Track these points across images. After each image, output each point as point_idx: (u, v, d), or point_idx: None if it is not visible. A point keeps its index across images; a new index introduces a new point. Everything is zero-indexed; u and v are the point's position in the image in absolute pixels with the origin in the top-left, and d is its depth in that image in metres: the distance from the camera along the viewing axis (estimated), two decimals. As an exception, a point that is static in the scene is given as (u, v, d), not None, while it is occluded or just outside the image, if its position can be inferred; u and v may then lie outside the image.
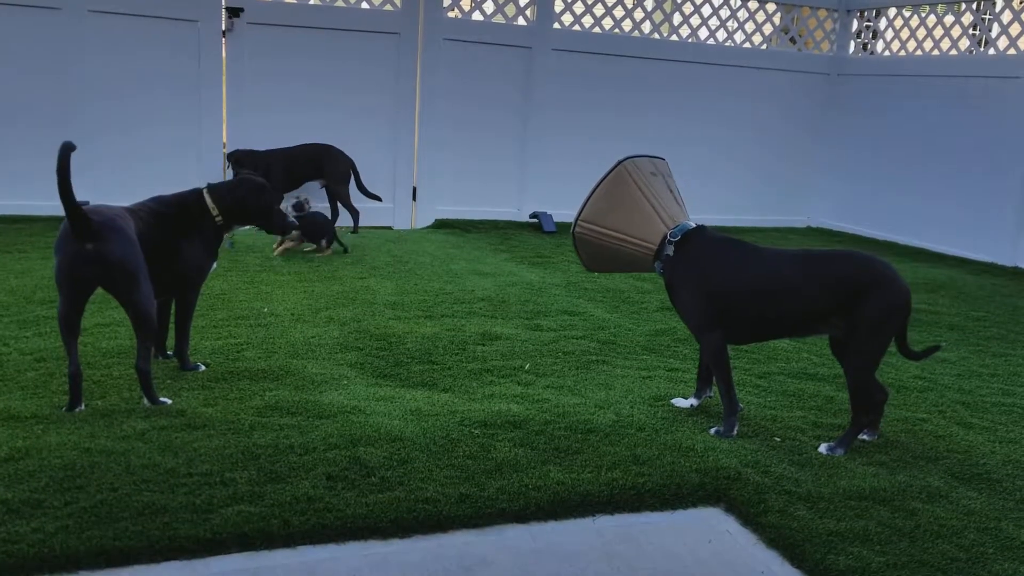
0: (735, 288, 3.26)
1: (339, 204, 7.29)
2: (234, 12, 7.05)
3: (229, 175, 7.26)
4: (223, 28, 7.08)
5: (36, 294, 4.67)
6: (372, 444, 3.00)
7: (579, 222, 3.39)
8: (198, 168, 7.11)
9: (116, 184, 6.87)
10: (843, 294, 3.13)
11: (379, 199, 7.37)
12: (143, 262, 3.15)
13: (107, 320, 4.27)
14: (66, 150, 2.96)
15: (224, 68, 7.17)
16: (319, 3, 7.43)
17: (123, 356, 3.77)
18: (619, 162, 3.38)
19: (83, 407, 3.15)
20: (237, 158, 6.83)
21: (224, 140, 7.28)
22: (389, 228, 7.78)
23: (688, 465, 3.01)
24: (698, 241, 3.32)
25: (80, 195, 3.08)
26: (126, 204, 3.42)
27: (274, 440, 2.97)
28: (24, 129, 6.71)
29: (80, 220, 2.98)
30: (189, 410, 3.19)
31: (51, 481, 2.57)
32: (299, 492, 2.62)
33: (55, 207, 6.88)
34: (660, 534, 2.67)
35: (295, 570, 2.33)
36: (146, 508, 2.46)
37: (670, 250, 3.32)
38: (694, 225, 3.37)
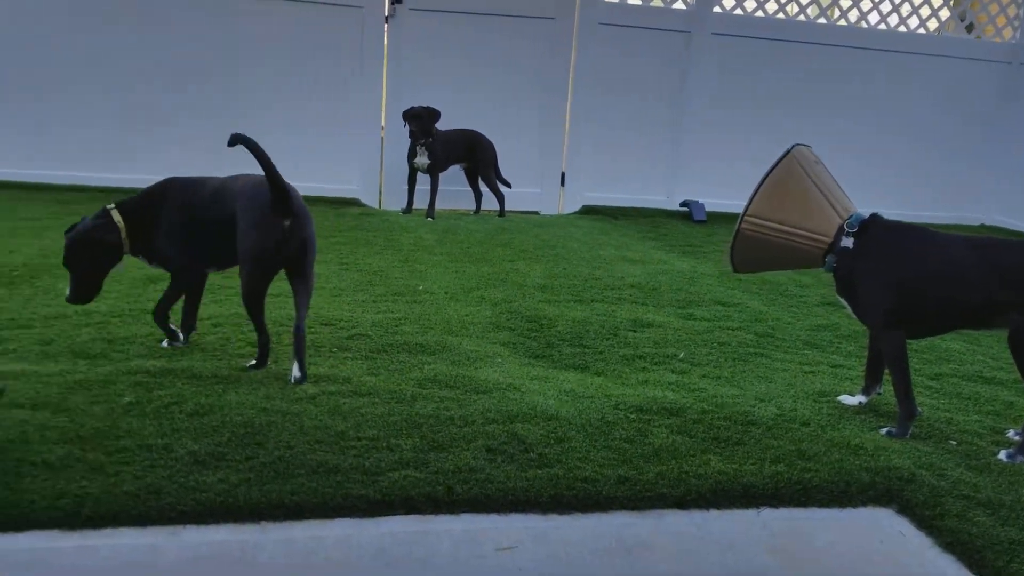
0: (920, 277, 3.06)
1: (486, 187, 7.39)
2: (396, -1, 7.25)
3: (387, 156, 7.48)
4: (385, 14, 7.28)
5: (211, 264, 4.95)
6: (528, 421, 3.02)
7: (746, 217, 3.20)
8: (354, 145, 7.37)
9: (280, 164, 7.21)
10: None
11: (508, 185, 7.41)
12: None
13: (276, 291, 4.47)
14: (246, 140, 3.10)
15: (385, 54, 7.38)
16: (477, -11, 7.53)
17: (292, 324, 3.93)
18: (786, 152, 3.22)
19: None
20: (417, 114, 6.86)
21: (383, 123, 7.50)
22: (536, 213, 7.82)
23: (857, 463, 2.87)
24: (877, 231, 3.14)
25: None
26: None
27: (435, 411, 3.03)
28: (195, 107, 7.12)
29: (284, 198, 3.12)
30: (354, 378, 3.30)
31: (233, 436, 2.72)
32: (461, 462, 2.67)
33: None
34: (828, 530, 2.57)
35: (459, 536, 2.37)
36: (319, 467, 2.57)
37: (848, 242, 3.14)
38: (867, 215, 3.21)
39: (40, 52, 6.86)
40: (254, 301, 3.30)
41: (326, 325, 3.98)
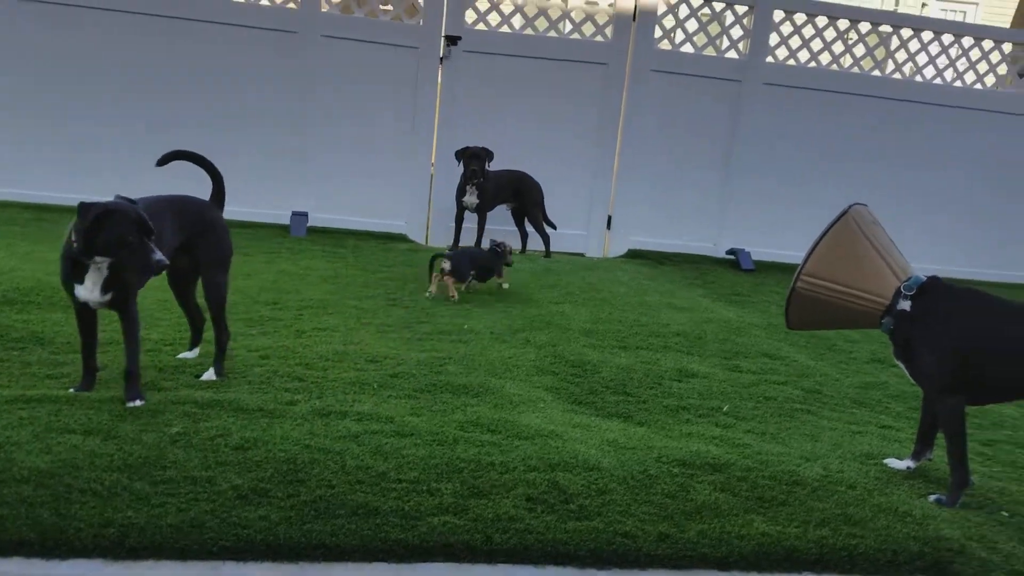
0: (980, 344, 3.00)
1: (532, 228, 7.43)
2: (452, 40, 7.36)
3: (435, 193, 7.57)
4: (440, 55, 7.41)
5: (261, 295, 5.03)
6: (570, 470, 3.00)
7: (802, 276, 3.18)
8: (404, 182, 7.47)
9: (329, 199, 7.34)
10: None
11: (554, 226, 7.44)
12: None
13: (323, 325, 4.54)
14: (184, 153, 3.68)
15: (439, 92, 7.50)
16: (532, 33, 7.63)
17: (338, 359, 3.98)
18: (844, 211, 3.19)
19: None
20: (475, 153, 6.91)
21: (432, 160, 7.60)
22: (581, 255, 7.83)
23: (905, 531, 2.80)
24: (938, 294, 3.09)
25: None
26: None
27: (476, 455, 3.03)
28: (253, 144, 7.28)
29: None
30: (397, 417, 3.32)
31: (276, 472, 2.74)
32: (500, 510, 2.66)
33: (276, 215, 7.38)
34: (874, 602, 2.50)
35: (496, 588, 2.36)
36: (360, 508, 2.58)
37: (905, 305, 3.10)
38: (925, 277, 3.16)
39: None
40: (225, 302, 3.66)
41: (372, 362, 4.01)
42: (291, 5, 7.22)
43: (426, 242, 7.56)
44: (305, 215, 7.19)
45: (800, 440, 3.59)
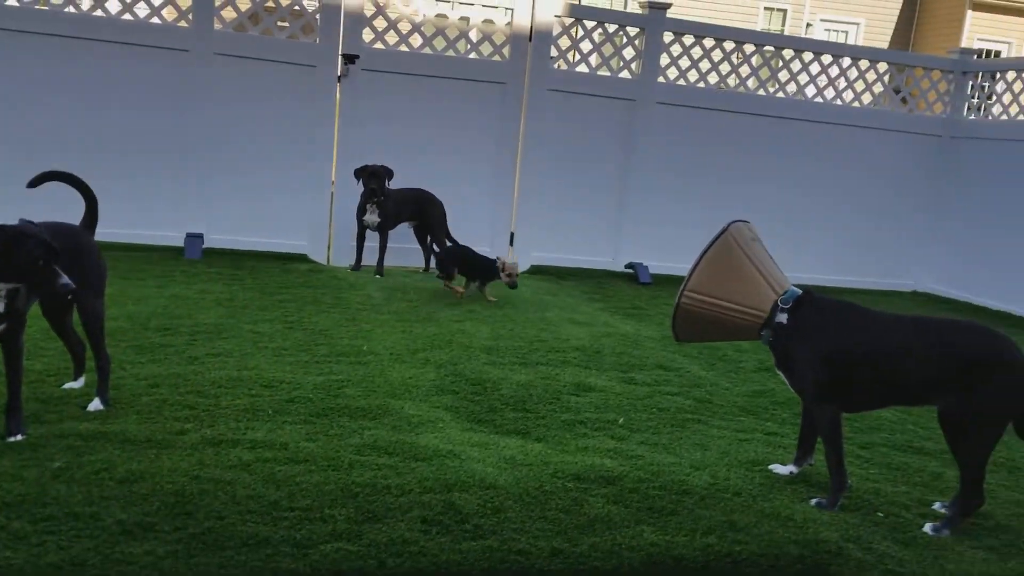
0: (853, 354, 3.17)
1: (436, 246, 7.45)
2: (350, 59, 7.34)
3: (336, 213, 7.51)
4: (338, 74, 7.37)
5: (152, 321, 4.90)
6: (466, 490, 3.03)
7: (685, 292, 3.30)
8: (304, 201, 7.41)
9: (226, 219, 7.21)
10: (960, 368, 3.02)
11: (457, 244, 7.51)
12: None
13: (217, 350, 4.45)
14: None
15: (337, 112, 7.46)
16: (430, 52, 7.67)
17: (232, 386, 3.91)
18: (724, 229, 3.33)
19: None
20: (374, 172, 6.89)
21: (333, 178, 7.54)
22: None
23: (787, 536, 2.93)
24: (811, 307, 3.26)
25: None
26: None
27: (372, 479, 3.02)
28: (144, 163, 7.09)
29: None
30: (292, 443, 3.29)
31: (163, 505, 2.68)
32: (395, 534, 2.67)
33: (171, 237, 7.21)
34: (756, 606, 2.61)
35: (389, 612, 2.37)
36: (250, 539, 2.54)
37: (782, 318, 3.25)
38: (800, 291, 3.32)
39: None
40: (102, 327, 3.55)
41: (267, 387, 3.96)
42: (182, 23, 7.07)
43: (328, 262, 7.49)
44: (200, 237, 7.04)
45: (690, 449, 3.70)
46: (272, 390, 3.91)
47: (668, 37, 8.08)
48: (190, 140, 7.15)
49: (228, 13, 7.32)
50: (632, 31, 8.05)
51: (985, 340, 3.05)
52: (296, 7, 7.42)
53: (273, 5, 7.31)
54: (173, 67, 7.02)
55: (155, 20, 7.04)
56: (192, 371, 4.08)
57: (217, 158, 7.21)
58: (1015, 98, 8.50)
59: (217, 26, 7.16)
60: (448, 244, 7.39)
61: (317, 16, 7.32)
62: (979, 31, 22.66)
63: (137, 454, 3.05)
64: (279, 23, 7.45)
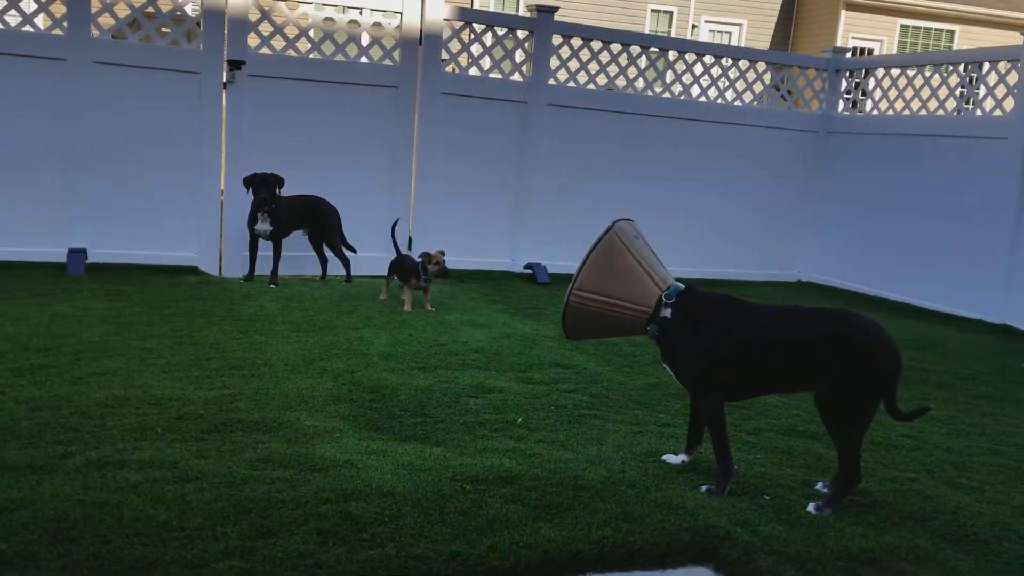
0: (730, 345, 3.30)
1: (331, 253, 7.38)
2: (235, 65, 7.18)
3: (227, 222, 7.33)
4: (224, 80, 7.21)
5: (32, 341, 4.70)
6: (364, 499, 3.01)
7: (574, 291, 3.37)
8: (192, 211, 7.22)
9: (111, 233, 6.96)
10: (831, 353, 3.18)
11: (354, 250, 7.45)
12: None
13: (102, 369, 4.30)
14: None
15: (224, 119, 7.29)
16: (319, 57, 7.58)
17: (118, 406, 3.78)
18: (608, 228, 3.42)
19: None
20: (262, 180, 6.76)
21: (222, 187, 7.37)
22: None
23: (678, 523, 3.03)
24: (691, 301, 3.38)
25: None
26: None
27: (266, 494, 2.98)
28: (23, 177, 6.80)
29: None
30: (182, 462, 3.21)
31: (44, 533, 2.58)
32: (290, 548, 2.64)
33: (52, 253, 6.95)
34: (649, 593, 2.69)
35: (285, 627, 2.34)
36: (138, 562, 2.47)
37: (667, 312, 3.36)
38: (683, 286, 3.44)
39: None
40: None
41: (156, 405, 3.84)
42: (57, 31, 6.79)
43: (220, 273, 7.32)
44: (84, 252, 6.77)
45: (587, 445, 3.78)
46: (161, 408, 3.81)
47: (557, 40, 8.21)
48: (71, 152, 6.89)
49: (106, 20, 7.08)
50: (521, 34, 8.14)
51: (853, 326, 3.23)
52: (177, 12, 7.22)
53: (153, 11, 7.10)
54: (50, 77, 6.76)
55: (28, 28, 6.74)
56: (76, 392, 3.93)
57: (100, 170, 6.96)
58: (884, 94, 8.97)
59: (95, 33, 6.91)
60: (347, 250, 7.34)
61: (199, 22, 7.15)
62: (853, 30, 23.78)
63: (17, 481, 2.92)
64: (162, 29, 7.23)
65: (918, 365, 5.85)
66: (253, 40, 7.27)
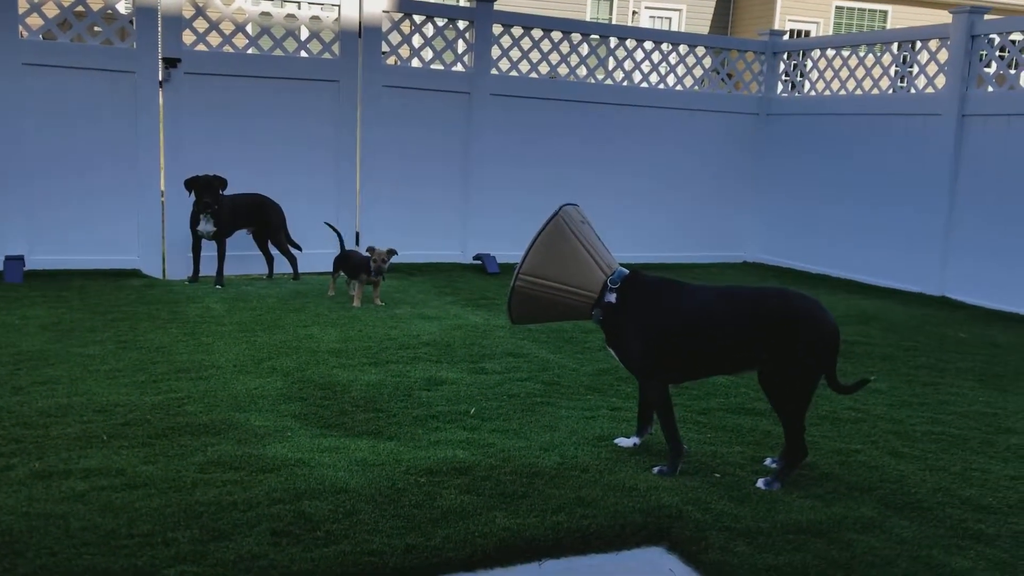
0: (671, 328, 3.34)
1: (277, 251, 7.30)
2: (171, 62, 7.04)
3: (169, 223, 7.21)
4: (160, 79, 7.07)
5: (-32, 353, 4.57)
6: (317, 497, 3.00)
7: (520, 276, 3.39)
8: (132, 213, 7.08)
9: (49, 238, 6.79)
10: (770, 331, 3.24)
11: (299, 247, 7.39)
12: None
13: (44, 378, 4.20)
14: None
15: (162, 118, 7.15)
16: (257, 52, 7.47)
17: (61, 414, 3.70)
18: (554, 213, 3.43)
19: None
20: (205, 182, 6.63)
21: (162, 188, 7.23)
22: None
23: (632, 505, 3.06)
24: (635, 286, 3.41)
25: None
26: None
27: (217, 497, 2.95)
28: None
29: None
30: (129, 469, 3.15)
31: (-13, 549, 2.52)
32: (243, 550, 2.61)
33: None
34: (604, 575, 2.71)
35: (240, 630, 2.32)
36: (87, 572, 2.43)
37: (611, 297, 3.39)
38: (627, 271, 3.47)
39: None
40: None
41: (100, 412, 3.77)
42: (-19, 32, 6.59)
43: (163, 275, 7.19)
44: (21, 259, 6.59)
45: (540, 432, 3.80)
46: (106, 415, 3.73)
47: (497, 29, 8.20)
48: (3, 158, 6.69)
49: (35, 20, 6.88)
50: (461, 24, 8.11)
51: (791, 303, 3.29)
52: (109, 11, 7.05)
53: (83, 10, 6.92)
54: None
55: (-52, 29, 6.53)
56: (16, 402, 3.84)
57: (34, 174, 6.78)
58: (821, 75, 9.13)
59: (23, 35, 6.72)
60: (293, 248, 7.28)
61: (132, 19, 6.99)
62: (790, 13, 24.14)
63: (-44, 497, 2.85)
64: (93, 28, 7.06)
65: (862, 339, 5.99)
66: (188, 37, 7.14)
